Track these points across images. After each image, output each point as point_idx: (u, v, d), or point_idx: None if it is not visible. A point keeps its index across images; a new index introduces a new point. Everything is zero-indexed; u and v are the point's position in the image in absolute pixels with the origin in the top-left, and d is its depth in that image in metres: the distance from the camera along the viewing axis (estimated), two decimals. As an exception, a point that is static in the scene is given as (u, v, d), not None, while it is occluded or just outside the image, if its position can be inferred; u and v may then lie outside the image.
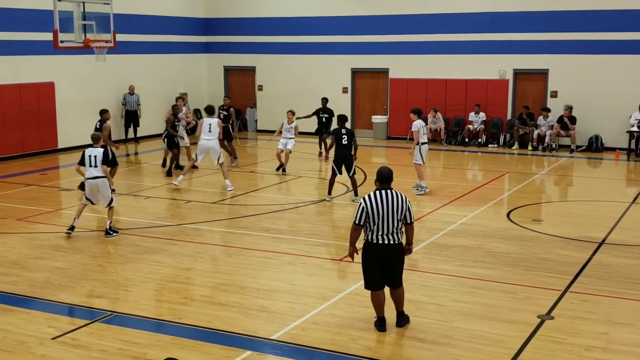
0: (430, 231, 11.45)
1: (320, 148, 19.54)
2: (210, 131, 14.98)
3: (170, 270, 9.54)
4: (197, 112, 25.63)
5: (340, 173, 13.75)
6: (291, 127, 17.25)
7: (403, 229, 7.37)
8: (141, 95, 22.85)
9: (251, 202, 13.98)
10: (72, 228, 11.18)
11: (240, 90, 26.36)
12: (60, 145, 20.45)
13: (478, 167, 19.47)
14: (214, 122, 15.12)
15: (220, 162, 15.05)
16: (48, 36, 15.39)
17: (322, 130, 19.43)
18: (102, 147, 11.39)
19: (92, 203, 11.34)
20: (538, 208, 13.73)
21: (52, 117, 20.09)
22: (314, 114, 19.59)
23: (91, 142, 11.42)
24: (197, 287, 8.99)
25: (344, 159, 13.65)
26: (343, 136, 13.70)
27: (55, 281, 9.07)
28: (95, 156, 11.10)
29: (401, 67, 23.15)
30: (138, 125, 22.72)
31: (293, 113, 17.53)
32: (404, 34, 22.89)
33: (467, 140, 22.19)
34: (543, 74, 21.62)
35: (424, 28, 22.59)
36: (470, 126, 22.10)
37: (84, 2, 15.49)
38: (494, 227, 11.88)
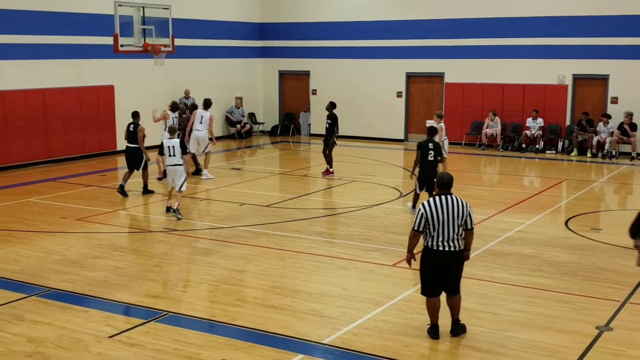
0: (485, 238, 11.28)
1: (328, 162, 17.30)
2: (201, 122, 16.55)
3: (224, 272, 9.64)
4: (251, 116, 25.89)
5: (422, 190, 12.64)
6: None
7: (463, 235, 7.26)
8: (198, 98, 23.15)
9: (304, 205, 14.03)
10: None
11: (294, 94, 26.51)
12: (119, 148, 20.87)
13: (535, 173, 19.11)
14: (206, 115, 16.60)
15: (206, 151, 16.68)
16: (109, 40, 15.76)
17: (326, 139, 17.14)
18: (178, 138, 13.03)
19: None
20: (597, 216, 13.40)
21: (111, 120, 20.54)
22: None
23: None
24: (250, 289, 9.05)
25: (429, 176, 12.23)
26: (430, 152, 12.45)
27: (112, 280, 9.25)
28: (173, 146, 12.72)
29: (457, 71, 22.93)
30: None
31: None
32: (460, 38, 22.65)
33: (524, 146, 21.82)
34: (603, 80, 21.11)
35: (480, 32, 22.32)
36: (528, 132, 21.72)
37: (143, 7, 15.82)
38: (552, 235, 11.64)
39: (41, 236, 11.53)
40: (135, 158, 14.53)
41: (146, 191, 14.74)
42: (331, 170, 17.18)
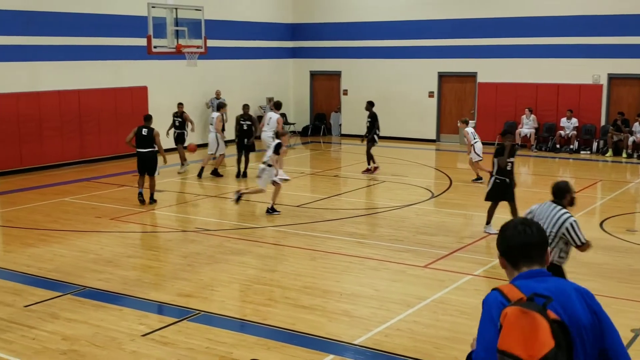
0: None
1: (370, 162, 17.54)
2: (268, 124, 16.76)
3: (256, 272, 9.69)
4: (282, 116, 25.94)
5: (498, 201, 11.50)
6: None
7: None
8: (230, 99, 23.30)
9: (335, 206, 14.04)
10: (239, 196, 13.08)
11: (325, 94, 26.53)
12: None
13: (569, 174, 18.87)
14: (275, 116, 16.82)
15: (210, 152, 17.15)
16: (142, 42, 15.93)
17: (368, 137, 17.31)
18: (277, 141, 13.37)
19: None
20: (632, 218, 13.19)
21: (145, 120, 20.76)
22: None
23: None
24: (281, 289, 9.08)
25: (505, 187, 11.29)
26: (511, 159, 11.30)
27: (146, 279, 9.36)
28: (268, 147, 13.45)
29: (490, 70, 22.74)
30: (223, 129, 23.06)
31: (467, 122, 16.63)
32: (493, 37, 22.46)
33: (558, 146, 21.57)
34: (639, 79, 20.76)
35: (514, 31, 22.11)
36: (562, 132, 21.46)
37: (176, 9, 15.95)
38: (586, 236, 11.44)
39: (76, 235, 11.71)
40: (150, 163, 13.77)
41: (152, 200, 13.88)
42: (369, 167, 17.36)
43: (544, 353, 2.51)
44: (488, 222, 11.49)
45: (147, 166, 13.81)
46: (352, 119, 25.33)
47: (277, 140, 13.37)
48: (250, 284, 9.19)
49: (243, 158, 16.97)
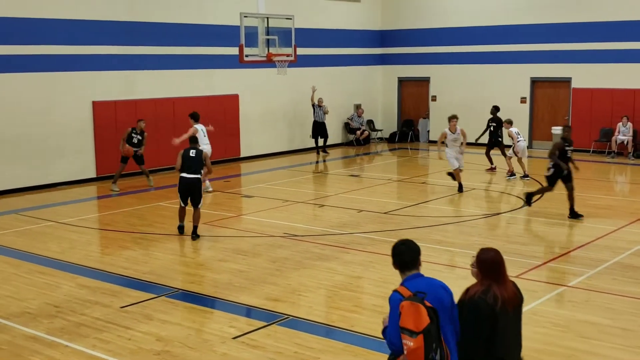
0: (615, 250, 10.76)
1: (491, 162, 18.83)
2: (205, 136, 15.54)
3: (342, 278, 9.71)
4: (370, 123, 25.98)
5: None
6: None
7: None
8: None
9: (422, 213, 13.91)
10: None
11: (413, 101, 26.36)
12: (242, 154, 21.57)
13: (670, 183, 18.01)
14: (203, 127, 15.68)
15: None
16: (234, 51, 16.29)
17: (491, 141, 18.67)
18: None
19: None
20: None
21: (236, 128, 21.23)
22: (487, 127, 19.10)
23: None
24: (368, 295, 9.07)
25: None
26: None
27: (236, 283, 9.55)
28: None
29: (585, 76, 22.00)
30: (327, 137, 23.23)
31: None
32: (589, 42, 21.74)
33: (657, 153, 20.65)
34: None
35: (609, 35, 21.33)
36: (662, 139, 20.53)
37: (268, 18, 16.22)
38: (689, 248, 10.92)
39: (170, 239, 12.07)
40: (197, 191, 11.90)
41: (196, 235, 11.91)
42: (493, 166, 18.62)
43: (424, 325, 4.33)
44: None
45: (193, 195, 11.85)
46: (440, 125, 24.94)
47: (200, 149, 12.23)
48: (337, 290, 9.22)
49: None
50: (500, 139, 18.40)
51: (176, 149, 18.94)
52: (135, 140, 16.72)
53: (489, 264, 4.69)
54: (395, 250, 4.75)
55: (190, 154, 11.94)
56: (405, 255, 4.72)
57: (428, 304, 4.41)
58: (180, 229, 12.17)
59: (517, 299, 4.71)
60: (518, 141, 17.18)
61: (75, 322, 8.12)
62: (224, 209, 14.42)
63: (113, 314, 8.35)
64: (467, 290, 4.69)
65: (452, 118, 15.76)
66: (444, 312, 4.50)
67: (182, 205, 12.01)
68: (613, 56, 21.33)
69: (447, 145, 15.81)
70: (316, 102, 22.34)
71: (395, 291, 4.60)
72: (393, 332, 4.47)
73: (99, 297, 8.98)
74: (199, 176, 11.92)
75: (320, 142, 22.74)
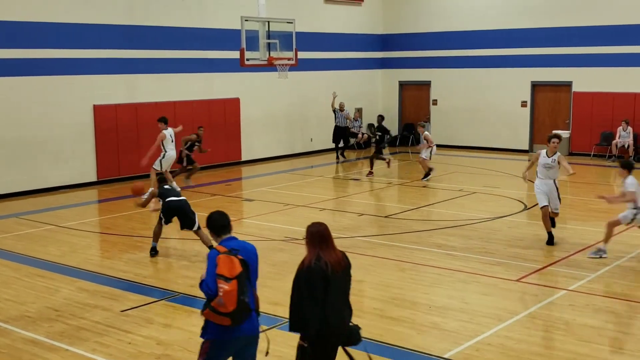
0: (615, 254, 10.74)
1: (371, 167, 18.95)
2: (172, 141, 16.07)
3: (344, 282, 9.68)
4: (371, 127, 25.99)
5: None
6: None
7: None
8: (317, 110, 23.53)
9: (423, 216, 13.90)
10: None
11: (414, 104, 26.37)
12: (244, 158, 21.58)
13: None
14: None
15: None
16: (235, 54, 16.30)
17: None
18: None
19: None
20: None
21: (237, 131, 21.25)
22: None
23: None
24: (369, 299, 9.05)
25: None
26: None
27: (236, 287, 9.51)
28: None
29: (586, 80, 22.01)
30: (348, 142, 23.25)
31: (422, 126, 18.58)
32: (589, 46, 21.75)
33: (659, 157, 20.62)
34: None
35: (611, 39, 21.34)
36: (663, 143, 20.51)
37: (269, 22, 16.23)
38: (690, 252, 10.90)
39: (170, 242, 12.06)
40: (190, 215, 10.86)
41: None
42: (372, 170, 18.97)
43: (237, 272, 5.21)
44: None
45: (185, 219, 10.81)
46: (441, 128, 25.05)
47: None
48: (338, 294, 9.20)
49: None
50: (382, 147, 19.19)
51: (177, 151, 19.02)
52: (195, 149, 17.63)
53: (317, 235, 5.50)
54: (211, 218, 5.60)
55: (177, 204, 10.81)
56: (220, 221, 5.58)
57: (240, 257, 5.32)
58: (153, 250, 11.20)
59: (344, 263, 5.47)
60: (434, 145, 18.13)
61: (75, 325, 8.11)
62: (229, 213, 14.40)
63: (113, 318, 8.34)
64: (303, 261, 5.42)
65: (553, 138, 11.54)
66: (254, 265, 5.55)
67: (164, 225, 10.94)
68: (614, 60, 21.33)
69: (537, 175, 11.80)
70: (337, 107, 22.32)
71: (213, 249, 5.42)
72: (210, 280, 5.22)
73: (99, 301, 8.98)
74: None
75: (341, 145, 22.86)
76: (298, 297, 5.34)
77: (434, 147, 18.13)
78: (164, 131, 15.83)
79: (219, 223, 5.59)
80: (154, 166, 15.98)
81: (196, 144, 17.73)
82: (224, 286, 5.13)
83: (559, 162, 11.29)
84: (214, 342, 5.43)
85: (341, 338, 5.44)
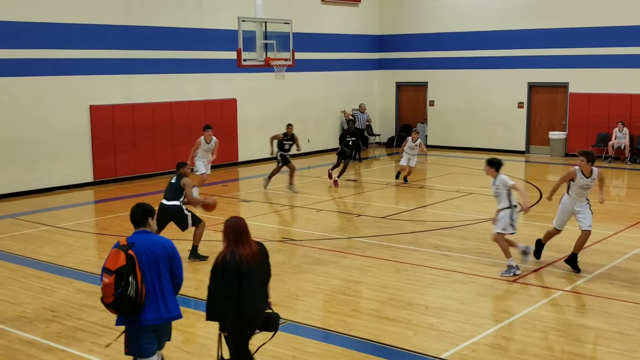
0: (612, 255, 10.78)
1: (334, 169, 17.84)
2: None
3: (340, 282, 9.71)
4: (368, 127, 26.00)
5: None
6: (415, 145, 17.46)
7: None
8: (315, 111, 23.54)
9: (420, 217, 13.91)
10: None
11: (411, 105, 26.40)
12: (240, 159, 21.57)
13: (667, 188, 18.04)
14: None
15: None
16: (232, 55, 16.30)
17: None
18: None
19: None
20: None
21: (234, 132, 21.25)
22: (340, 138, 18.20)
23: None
24: (366, 300, 9.06)
25: None
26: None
27: (233, 287, 9.51)
28: None
29: (582, 81, 22.06)
30: (365, 144, 23.18)
31: (417, 132, 17.84)
32: (586, 47, 21.80)
33: (655, 158, 20.67)
34: None
35: (607, 40, 21.39)
36: (659, 144, 20.56)
37: (266, 23, 16.24)
38: (686, 253, 10.93)
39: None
40: (176, 219, 10.79)
41: (196, 255, 10.98)
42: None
43: (120, 265, 5.38)
44: None
45: (169, 221, 10.77)
46: (438, 130, 25.09)
47: None
48: (335, 294, 9.22)
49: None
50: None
51: (173, 152, 18.99)
52: (287, 146, 16.72)
53: (232, 229, 5.69)
54: (131, 211, 5.76)
55: (171, 181, 10.88)
56: (137, 215, 5.71)
57: (131, 252, 5.45)
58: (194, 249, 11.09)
59: (259, 256, 5.76)
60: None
61: (72, 326, 8.11)
62: (222, 213, 14.40)
63: (110, 319, 8.30)
64: (218, 255, 5.62)
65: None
66: (160, 262, 5.59)
67: (159, 231, 10.48)
68: (610, 61, 21.39)
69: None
70: (357, 110, 22.11)
71: (118, 241, 5.64)
72: (102, 272, 5.51)
73: (95, 302, 8.95)
74: (175, 203, 10.61)
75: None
76: (214, 290, 5.58)
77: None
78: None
79: (134, 217, 5.76)
80: (207, 172, 16.00)
81: (284, 142, 16.71)
82: (104, 279, 5.41)
83: (600, 179, 9.89)
84: (127, 328, 5.69)
85: (257, 324, 5.76)
